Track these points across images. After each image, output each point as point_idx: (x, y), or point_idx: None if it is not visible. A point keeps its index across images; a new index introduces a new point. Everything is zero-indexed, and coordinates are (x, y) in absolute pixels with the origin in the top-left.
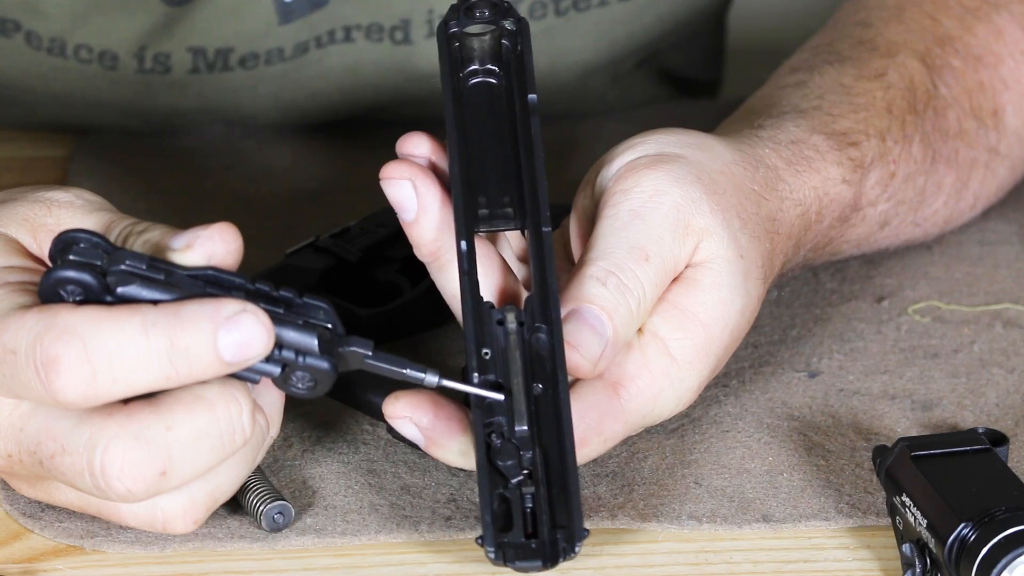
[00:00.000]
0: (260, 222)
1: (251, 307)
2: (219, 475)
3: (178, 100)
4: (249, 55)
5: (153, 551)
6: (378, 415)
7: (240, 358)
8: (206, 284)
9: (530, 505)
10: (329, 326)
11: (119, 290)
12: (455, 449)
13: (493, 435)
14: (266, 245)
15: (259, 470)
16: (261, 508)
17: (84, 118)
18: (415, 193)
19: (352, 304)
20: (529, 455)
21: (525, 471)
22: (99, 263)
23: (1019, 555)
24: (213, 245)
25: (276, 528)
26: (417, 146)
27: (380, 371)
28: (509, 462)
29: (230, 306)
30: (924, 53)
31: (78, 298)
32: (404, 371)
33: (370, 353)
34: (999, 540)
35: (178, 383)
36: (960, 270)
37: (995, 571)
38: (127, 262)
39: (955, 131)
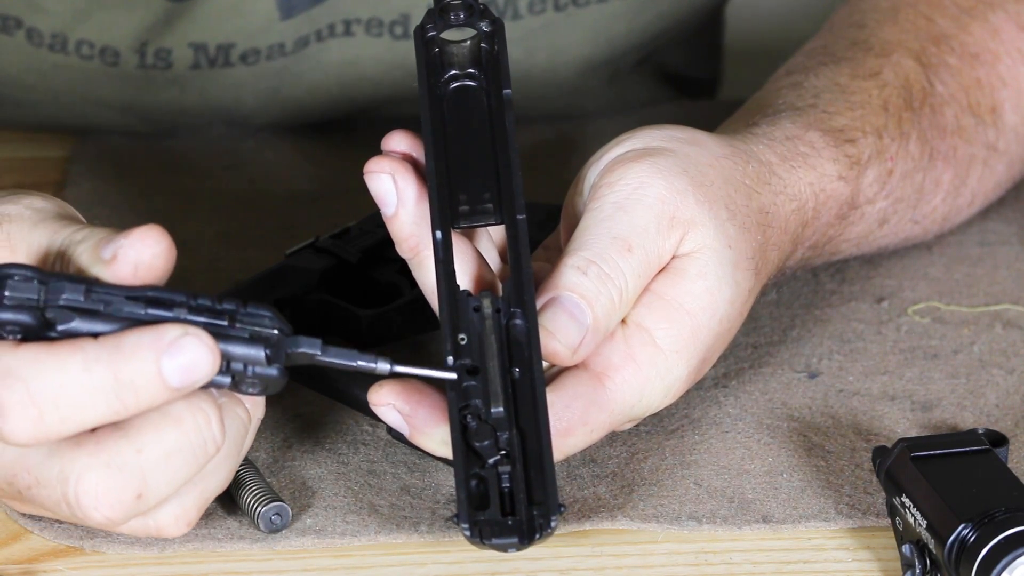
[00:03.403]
0: (260, 222)
1: (193, 330)
2: (205, 479)
3: (179, 96)
4: (250, 51)
5: (153, 552)
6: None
7: (187, 382)
8: (147, 304)
9: (507, 485)
10: (276, 331)
11: (60, 328)
12: (438, 437)
13: (469, 417)
14: (266, 245)
15: (256, 471)
16: (259, 510)
17: (84, 117)
18: (394, 187)
19: (352, 305)
20: (506, 436)
21: (502, 451)
22: (36, 297)
23: (1019, 556)
24: (137, 252)
25: (274, 529)
26: (399, 143)
27: (332, 366)
28: (485, 442)
29: (171, 332)
30: (919, 52)
31: (19, 336)
32: (355, 363)
33: (319, 352)
34: (999, 541)
35: (129, 414)
36: (960, 271)
37: (995, 572)
38: (65, 296)
39: (953, 128)
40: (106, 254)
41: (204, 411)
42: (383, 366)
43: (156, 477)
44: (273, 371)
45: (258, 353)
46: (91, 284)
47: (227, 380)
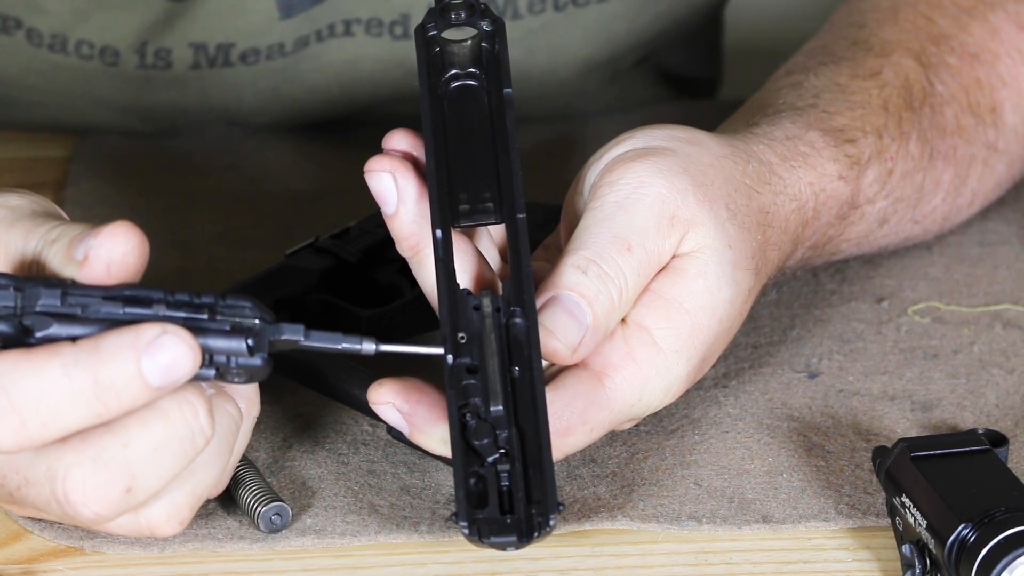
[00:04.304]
0: (260, 222)
1: (171, 328)
2: (195, 474)
3: (179, 96)
4: (250, 50)
5: (153, 552)
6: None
7: (168, 381)
8: (124, 303)
9: (506, 483)
10: (257, 321)
11: (38, 334)
12: (437, 436)
13: (468, 415)
14: (266, 245)
15: (256, 471)
16: (259, 510)
17: (85, 117)
18: (395, 186)
19: (352, 305)
20: (505, 435)
21: (501, 450)
22: (13, 305)
23: (1019, 556)
24: (107, 251)
25: (274, 529)
26: (399, 142)
27: (318, 350)
28: (484, 441)
29: (149, 331)
30: (919, 52)
31: None
32: (339, 346)
33: (302, 338)
34: (999, 541)
35: (112, 416)
36: (960, 271)
37: (995, 572)
38: (41, 301)
39: (953, 127)
40: (78, 254)
41: (191, 403)
42: (368, 347)
43: (144, 471)
44: (257, 361)
45: (240, 344)
46: (67, 287)
47: (211, 372)
